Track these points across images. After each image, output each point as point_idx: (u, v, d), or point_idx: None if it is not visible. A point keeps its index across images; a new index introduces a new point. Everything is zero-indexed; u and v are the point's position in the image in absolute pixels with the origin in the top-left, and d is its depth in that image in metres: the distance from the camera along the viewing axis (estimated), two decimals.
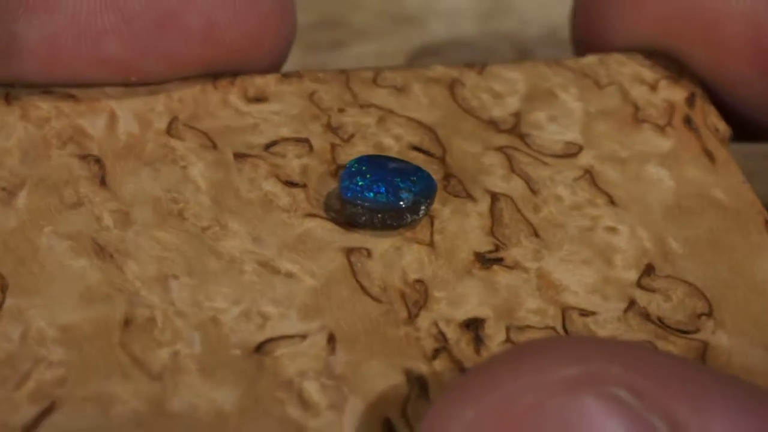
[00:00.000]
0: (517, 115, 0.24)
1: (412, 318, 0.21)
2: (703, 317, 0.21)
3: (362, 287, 0.21)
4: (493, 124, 0.24)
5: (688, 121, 0.25)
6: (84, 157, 0.23)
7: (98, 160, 0.23)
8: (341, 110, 0.24)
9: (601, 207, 0.23)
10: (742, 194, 0.23)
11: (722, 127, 0.25)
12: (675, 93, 0.25)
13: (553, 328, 0.21)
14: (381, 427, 0.19)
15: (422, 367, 0.20)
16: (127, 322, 0.20)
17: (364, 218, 0.22)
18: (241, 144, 0.23)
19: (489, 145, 0.24)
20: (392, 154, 0.23)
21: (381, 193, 0.22)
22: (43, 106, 0.23)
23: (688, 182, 0.23)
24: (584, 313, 0.21)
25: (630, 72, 0.25)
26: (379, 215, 0.22)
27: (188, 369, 0.20)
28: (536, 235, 0.22)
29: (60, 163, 0.22)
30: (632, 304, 0.21)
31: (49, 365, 0.19)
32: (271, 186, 0.23)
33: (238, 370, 0.20)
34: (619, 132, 0.24)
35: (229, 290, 0.21)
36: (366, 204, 0.22)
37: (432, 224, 0.22)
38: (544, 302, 0.21)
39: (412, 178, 0.22)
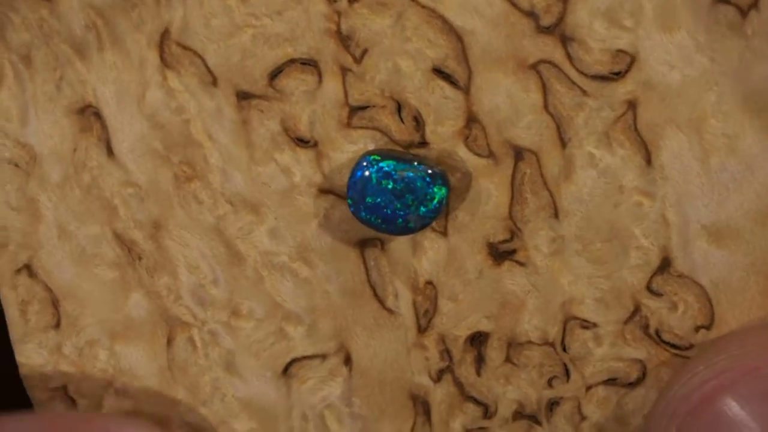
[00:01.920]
0: (564, 1, 0.20)
1: (422, 331, 0.21)
2: (702, 331, 0.21)
3: (376, 296, 0.21)
4: (532, 17, 0.20)
5: None
6: (83, 111, 0.21)
7: (98, 115, 0.21)
8: (352, 1, 0.20)
9: (633, 171, 0.20)
10: None
11: None
12: None
13: (552, 345, 0.21)
14: None
15: (427, 391, 0.22)
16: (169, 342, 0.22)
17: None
18: (242, 76, 0.21)
19: (523, 59, 0.20)
20: (412, 83, 0.21)
21: (388, 221, 0.20)
22: None
23: (742, 121, 0.20)
24: (585, 325, 0.21)
25: None
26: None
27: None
28: (556, 216, 0.21)
29: (61, 123, 0.21)
30: (635, 313, 0.21)
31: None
32: (281, 152, 0.21)
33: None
34: (687, 21, 0.20)
35: (252, 303, 0.22)
36: (374, 225, 0.21)
37: (448, 205, 0.21)
38: (548, 314, 0.21)
39: (423, 198, 0.20)
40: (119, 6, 0.21)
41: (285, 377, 0.22)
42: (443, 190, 0.20)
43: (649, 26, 0.20)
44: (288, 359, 0.22)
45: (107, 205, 0.22)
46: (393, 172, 0.20)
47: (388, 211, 0.21)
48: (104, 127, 0.21)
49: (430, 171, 0.20)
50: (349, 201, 0.21)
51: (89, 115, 0.21)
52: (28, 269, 0.22)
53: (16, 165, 0.22)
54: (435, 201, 0.20)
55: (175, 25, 0.21)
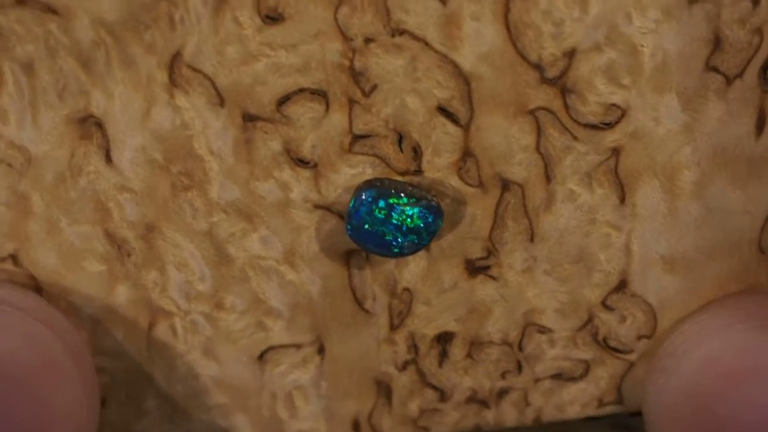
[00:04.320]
0: (571, 55, 0.21)
1: (394, 329, 0.23)
2: (643, 340, 0.23)
3: (356, 298, 0.23)
4: (538, 69, 0.21)
5: (764, 70, 0.21)
6: (84, 120, 0.21)
7: (100, 125, 0.21)
8: (368, 41, 0.21)
9: (607, 207, 0.22)
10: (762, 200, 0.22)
11: None
12: None
13: (510, 345, 0.23)
14: (350, 429, 0.24)
15: (391, 378, 0.23)
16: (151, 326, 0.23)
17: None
18: (251, 100, 0.21)
19: (523, 105, 0.21)
20: (416, 118, 0.21)
21: (383, 247, 0.21)
22: None
23: (711, 175, 0.22)
24: (542, 330, 0.23)
25: None
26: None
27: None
28: (531, 240, 0.22)
29: (61, 129, 0.21)
30: (588, 322, 0.23)
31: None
32: (280, 170, 0.21)
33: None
34: (678, 84, 0.21)
35: (236, 298, 0.22)
36: (369, 250, 0.22)
37: None
38: (511, 321, 0.23)
39: (416, 233, 0.21)
40: (131, 27, 0.21)
41: (260, 362, 0.23)
42: (438, 224, 0.22)
43: (644, 86, 0.21)
44: (265, 347, 0.23)
45: (101, 207, 0.22)
46: (393, 209, 0.21)
47: (386, 239, 0.22)
48: (105, 136, 0.21)
49: (427, 206, 0.22)
50: (348, 227, 0.22)
51: (90, 125, 0.21)
52: (14, 259, 0.22)
53: (9, 165, 0.22)
54: (429, 234, 0.22)
55: (187, 49, 0.21)
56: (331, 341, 0.23)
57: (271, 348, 0.23)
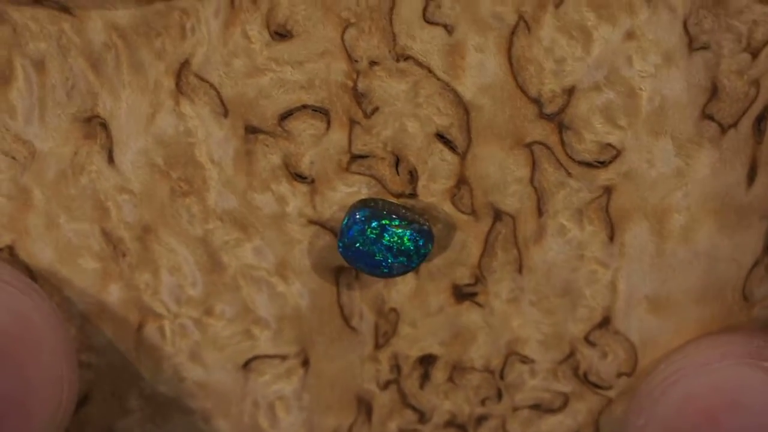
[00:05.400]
0: (570, 93, 0.21)
1: (378, 347, 0.23)
2: (623, 377, 0.24)
3: (343, 315, 0.23)
4: (536, 104, 0.21)
5: (759, 121, 0.22)
6: (89, 120, 0.21)
7: (104, 125, 0.21)
8: (373, 64, 0.21)
9: (595, 244, 0.22)
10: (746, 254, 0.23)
11: None
12: None
13: (492, 372, 0.24)
14: None
15: (373, 396, 0.24)
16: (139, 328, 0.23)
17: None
18: (254, 113, 0.21)
19: (520, 138, 0.22)
20: (415, 143, 0.22)
21: (373, 266, 0.22)
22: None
23: (700, 221, 0.23)
24: (524, 360, 0.23)
25: (740, 24, 0.21)
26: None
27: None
28: (519, 271, 0.23)
29: (66, 128, 0.22)
30: (570, 356, 0.23)
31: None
32: (278, 183, 0.22)
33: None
34: (673, 130, 0.22)
35: (226, 306, 0.23)
36: (359, 269, 0.22)
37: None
38: (495, 348, 0.23)
39: (407, 255, 0.22)
40: (143, 32, 0.21)
41: (244, 370, 0.24)
42: (429, 247, 0.22)
43: (639, 128, 0.22)
44: (250, 356, 0.24)
45: (100, 206, 0.22)
46: (385, 230, 0.22)
47: (376, 259, 0.22)
48: (109, 137, 0.22)
49: (419, 230, 0.22)
50: (339, 244, 0.22)
51: (95, 124, 0.22)
52: (10, 250, 0.23)
53: (13, 158, 0.22)
54: (419, 257, 0.22)
55: (196, 58, 0.21)
56: (316, 356, 0.24)
57: (256, 357, 0.24)
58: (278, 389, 0.24)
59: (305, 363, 0.24)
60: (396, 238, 0.22)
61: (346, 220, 0.22)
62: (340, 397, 0.24)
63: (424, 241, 0.22)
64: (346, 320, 0.23)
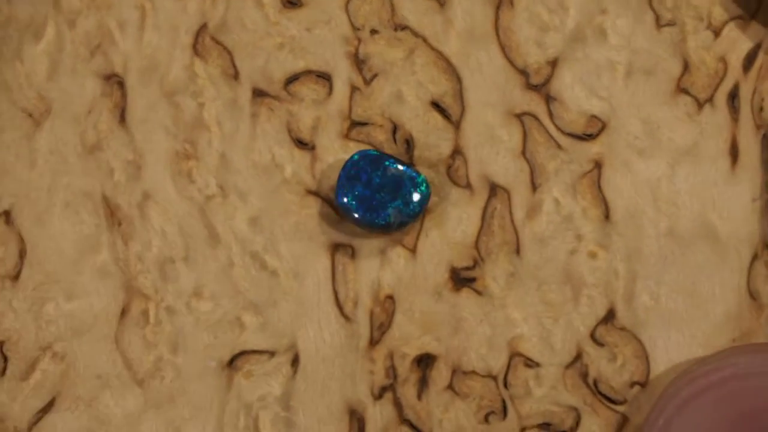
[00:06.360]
0: (553, 65, 0.23)
1: (373, 344, 0.23)
2: (636, 387, 0.22)
3: (337, 301, 0.23)
4: (524, 75, 0.23)
5: (732, 98, 0.23)
6: (108, 78, 0.23)
7: (121, 84, 0.23)
8: (373, 32, 0.23)
9: (593, 222, 0.23)
10: (741, 223, 0.23)
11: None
12: (737, 45, 0.23)
13: (495, 379, 0.22)
14: None
15: (366, 408, 0.22)
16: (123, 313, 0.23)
17: (354, 220, 0.23)
18: (262, 76, 0.23)
19: (511, 108, 0.23)
20: (411, 110, 0.23)
21: (368, 215, 0.22)
22: None
23: (692, 195, 0.23)
24: (529, 363, 0.22)
25: (700, 4, 0.23)
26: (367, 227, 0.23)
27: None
28: (517, 251, 0.23)
29: (85, 85, 0.23)
30: (577, 359, 0.22)
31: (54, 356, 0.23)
32: (280, 146, 0.23)
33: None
34: (652, 102, 0.23)
35: (215, 287, 0.23)
36: (355, 218, 0.22)
37: (422, 224, 0.23)
38: (495, 348, 0.22)
39: (404, 197, 0.22)
40: None
41: (229, 369, 0.23)
42: (425, 192, 0.22)
43: (620, 99, 0.23)
44: (237, 350, 0.23)
45: (105, 166, 0.23)
46: (383, 167, 0.22)
47: (373, 202, 0.22)
48: (124, 96, 0.23)
49: (415, 173, 0.22)
50: (337, 187, 0.22)
51: (113, 83, 0.23)
52: (6, 216, 0.23)
53: (30, 115, 0.23)
54: (417, 200, 0.22)
55: (213, 21, 0.23)
56: (307, 349, 0.23)
57: (243, 353, 0.23)
58: (263, 395, 0.23)
59: (295, 361, 0.23)
60: (394, 178, 0.22)
61: (347, 163, 0.22)
62: (331, 409, 0.23)
63: (423, 185, 0.22)
64: (340, 307, 0.23)
